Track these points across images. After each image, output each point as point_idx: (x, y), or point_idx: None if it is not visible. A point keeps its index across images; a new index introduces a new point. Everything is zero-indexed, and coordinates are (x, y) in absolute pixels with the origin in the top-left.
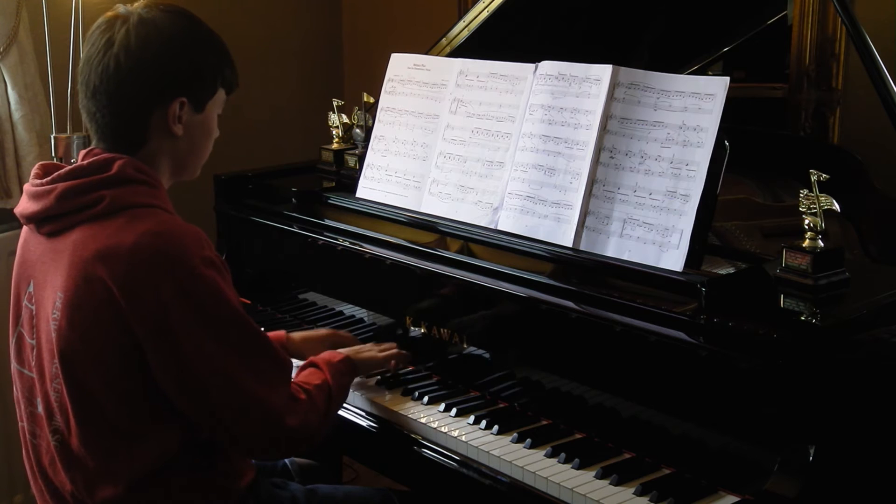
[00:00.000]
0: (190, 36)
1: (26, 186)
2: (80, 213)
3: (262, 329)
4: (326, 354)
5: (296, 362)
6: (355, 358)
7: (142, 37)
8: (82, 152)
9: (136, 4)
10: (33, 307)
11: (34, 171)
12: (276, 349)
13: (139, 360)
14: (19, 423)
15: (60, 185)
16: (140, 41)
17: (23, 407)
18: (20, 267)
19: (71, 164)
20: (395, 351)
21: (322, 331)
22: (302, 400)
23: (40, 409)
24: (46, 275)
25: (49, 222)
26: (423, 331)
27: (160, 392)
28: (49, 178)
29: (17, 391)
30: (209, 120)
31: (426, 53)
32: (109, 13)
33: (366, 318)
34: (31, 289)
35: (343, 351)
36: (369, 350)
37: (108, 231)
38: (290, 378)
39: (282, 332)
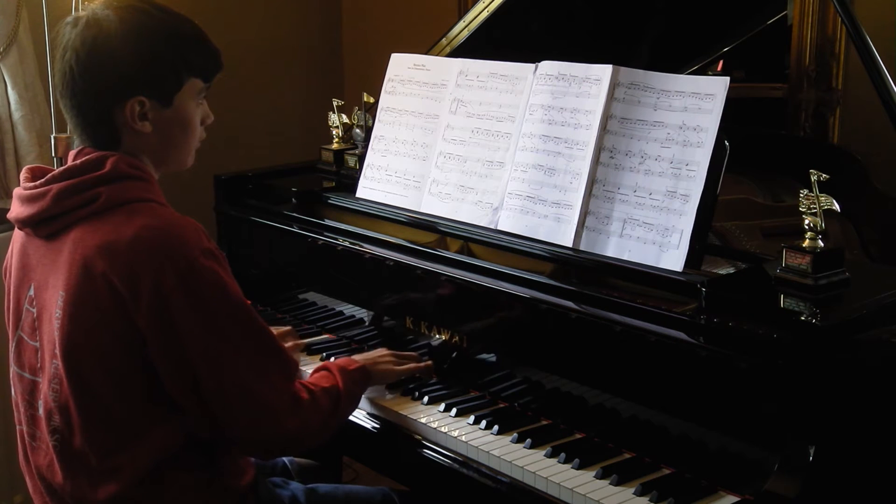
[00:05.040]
0: (139, 32)
1: (17, 191)
2: (77, 212)
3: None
4: (342, 361)
5: (308, 364)
6: (371, 369)
7: (88, 40)
8: (72, 152)
9: (93, 4)
10: (34, 310)
11: (23, 175)
12: (280, 346)
13: (142, 354)
14: (17, 427)
15: (56, 186)
16: (87, 45)
17: (22, 410)
18: (19, 271)
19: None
20: (412, 365)
21: (282, 329)
22: (304, 400)
23: (41, 411)
24: (47, 276)
25: (46, 224)
26: (423, 331)
27: (163, 388)
28: (42, 180)
29: (17, 395)
30: (183, 112)
31: (426, 53)
32: (70, 16)
33: (366, 319)
34: (31, 292)
35: (359, 359)
36: (387, 362)
37: (108, 227)
38: (294, 376)
39: None
